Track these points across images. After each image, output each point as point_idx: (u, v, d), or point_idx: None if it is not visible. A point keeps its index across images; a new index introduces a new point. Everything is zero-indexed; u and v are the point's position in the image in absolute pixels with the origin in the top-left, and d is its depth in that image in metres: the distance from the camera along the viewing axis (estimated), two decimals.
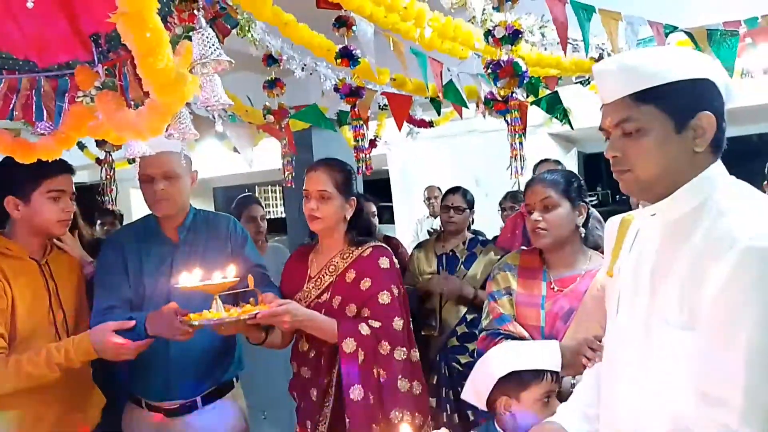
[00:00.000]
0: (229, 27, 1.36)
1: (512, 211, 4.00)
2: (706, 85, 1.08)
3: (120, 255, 1.98)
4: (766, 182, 2.60)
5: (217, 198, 12.58)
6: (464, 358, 2.80)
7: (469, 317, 2.83)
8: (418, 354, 1.98)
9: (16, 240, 1.87)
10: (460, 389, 2.83)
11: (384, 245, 2.03)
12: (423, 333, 2.98)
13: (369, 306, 1.90)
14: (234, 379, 2.12)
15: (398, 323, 1.90)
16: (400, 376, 1.86)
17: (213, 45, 1.09)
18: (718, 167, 1.12)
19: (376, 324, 1.87)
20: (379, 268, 1.94)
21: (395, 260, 2.00)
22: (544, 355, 1.65)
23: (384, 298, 1.90)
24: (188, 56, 1.10)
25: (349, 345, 1.82)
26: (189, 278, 1.75)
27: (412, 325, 3.21)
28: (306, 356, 1.97)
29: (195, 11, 1.11)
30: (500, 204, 4.22)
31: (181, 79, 0.99)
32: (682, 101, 1.07)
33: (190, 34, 1.16)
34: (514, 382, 1.62)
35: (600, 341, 1.54)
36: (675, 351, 1.05)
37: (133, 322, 1.78)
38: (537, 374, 1.62)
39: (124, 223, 4.39)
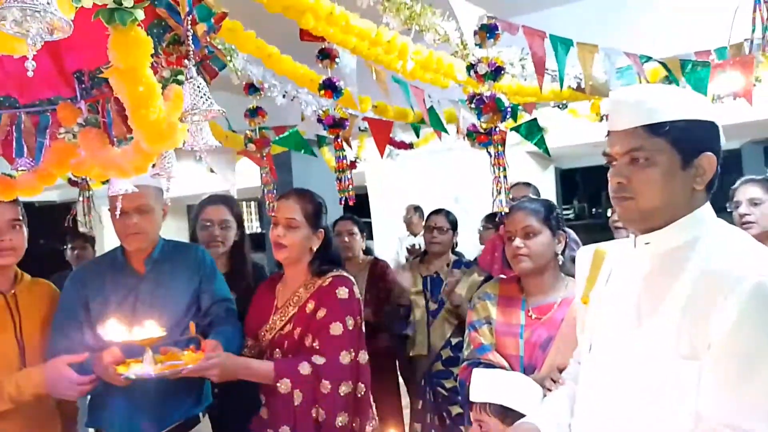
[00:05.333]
0: (217, 69, 1.36)
1: (486, 230, 4.03)
2: (712, 128, 1.15)
3: (82, 294, 1.96)
4: (730, 206, 2.62)
5: (190, 215, 12.42)
6: (449, 382, 2.80)
7: (453, 341, 2.85)
8: (364, 388, 1.92)
9: None
10: (445, 414, 2.85)
11: (346, 275, 1.99)
12: (411, 354, 2.98)
13: (318, 336, 1.87)
14: (200, 414, 2.06)
15: (345, 357, 1.85)
16: (341, 412, 1.82)
17: (204, 95, 1.09)
18: (708, 207, 1.17)
19: (320, 360, 1.83)
20: (336, 298, 1.91)
21: (355, 290, 1.97)
22: (528, 399, 1.64)
23: (335, 329, 1.86)
24: (178, 101, 1.10)
25: (283, 386, 1.80)
26: (116, 331, 1.73)
27: (397, 346, 3.18)
28: (272, 389, 1.89)
29: (186, 59, 1.11)
30: (481, 224, 4.25)
31: (171, 128, 0.99)
32: (691, 139, 1.12)
33: (178, 77, 1.16)
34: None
35: (561, 372, 1.56)
36: (670, 380, 1.07)
37: (85, 355, 1.77)
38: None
39: (96, 245, 4.32)
